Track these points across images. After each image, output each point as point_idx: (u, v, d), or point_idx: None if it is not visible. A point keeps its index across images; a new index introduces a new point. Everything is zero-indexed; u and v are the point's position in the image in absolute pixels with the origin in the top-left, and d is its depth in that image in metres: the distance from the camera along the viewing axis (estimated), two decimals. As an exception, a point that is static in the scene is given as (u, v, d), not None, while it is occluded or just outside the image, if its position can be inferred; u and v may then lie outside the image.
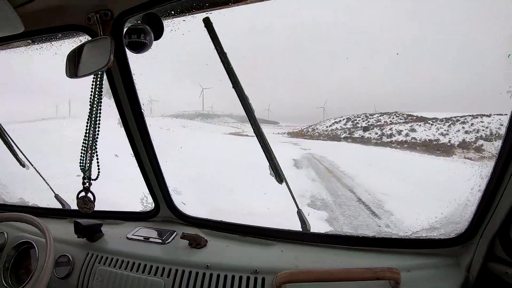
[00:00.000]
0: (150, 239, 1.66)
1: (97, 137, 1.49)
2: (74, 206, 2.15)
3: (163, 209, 1.84)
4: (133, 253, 1.56)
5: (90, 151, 1.49)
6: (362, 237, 1.52)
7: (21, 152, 2.14)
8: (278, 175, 1.54)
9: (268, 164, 1.54)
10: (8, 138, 2.07)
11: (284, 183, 1.58)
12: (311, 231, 1.61)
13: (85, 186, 1.53)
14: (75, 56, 1.28)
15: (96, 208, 1.81)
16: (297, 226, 1.63)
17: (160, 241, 1.64)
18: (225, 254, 1.52)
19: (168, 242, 1.64)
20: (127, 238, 1.69)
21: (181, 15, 1.34)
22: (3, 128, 2.05)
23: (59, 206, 2.20)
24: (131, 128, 1.61)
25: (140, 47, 1.21)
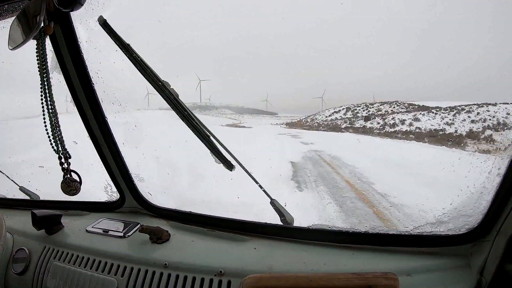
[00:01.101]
0: (110, 232, 1.44)
1: (56, 113, 1.23)
2: (42, 196, 1.98)
3: (129, 199, 1.61)
4: (90, 248, 1.36)
5: (56, 129, 1.25)
6: (353, 233, 1.25)
7: None
8: (225, 161, 1.27)
9: (209, 151, 1.27)
10: None
11: (235, 169, 1.31)
12: (293, 225, 1.35)
13: (63, 166, 1.28)
14: (16, 24, 1.09)
15: (58, 199, 1.59)
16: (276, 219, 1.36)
17: (121, 234, 1.42)
18: (188, 251, 1.28)
19: (129, 236, 1.41)
20: (87, 231, 1.49)
21: None
22: None
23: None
24: (83, 107, 1.37)
25: (71, 3, 1.05)
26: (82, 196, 1.42)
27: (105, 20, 1.16)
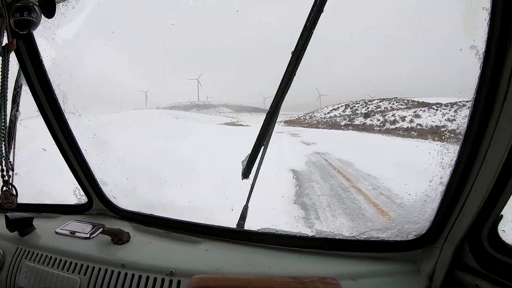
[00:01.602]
0: (76, 234, 1.55)
1: (4, 124, 1.29)
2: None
3: (96, 202, 1.72)
4: (59, 249, 1.46)
5: (6, 139, 1.30)
6: (300, 237, 1.32)
7: None
8: (247, 172, 1.30)
9: (250, 154, 1.29)
10: None
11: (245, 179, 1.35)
12: (242, 228, 1.43)
13: (4, 179, 1.33)
14: None
15: (29, 202, 1.68)
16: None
17: (87, 236, 1.52)
18: (145, 251, 1.38)
19: (93, 237, 1.51)
20: (56, 232, 1.58)
21: None
22: None
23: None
24: (48, 116, 1.47)
25: (26, 26, 1.10)
26: (54, 198, 1.53)
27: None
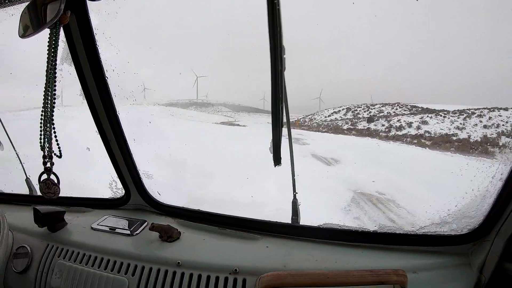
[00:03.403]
0: (117, 230, 1.52)
1: (53, 107, 1.24)
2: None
3: (134, 196, 1.69)
4: (97, 246, 1.42)
5: (48, 125, 1.26)
6: (362, 232, 1.36)
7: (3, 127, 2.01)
8: (277, 157, 1.27)
9: (272, 139, 1.27)
10: None
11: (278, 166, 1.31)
12: (301, 223, 1.44)
13: (46, 166, 1.29)
14: (28, 12, 1.10)
15: (61, 194, 1.66)
16: (284, 218, 1.46)
17: (128, 232, 1.50)
18: (200, 249, 1.36)
19: (137, 234, 1.49)
20: (92, 228, 1.55)
21: None
22: None
23: (26, 191, 2.06)
24: (93, 99, 1.43)
25: None
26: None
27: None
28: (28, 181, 2.09)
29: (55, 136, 1.29)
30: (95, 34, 1.30)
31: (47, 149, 1.26)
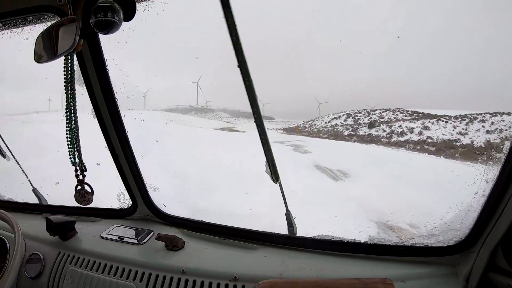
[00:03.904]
0: (125, 239, 1.63)
1: (78, 127, 1.45)
2: (51, 201, 2.16)
3: (141, 207, 1.81)
4: (106, 254, 1.53)
5: (76, 143, 1.47)
6: (353, 243, 1.47)
7: (4, 142, 2.12)
8: (275, 173, 1.45)
9: (266, 160, 1.45)
10: None
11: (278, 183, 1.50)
12: (297, 235, 1.56)
13: (78, 178, 1.53)
14: (43, 39, 1.22)
15: (72, 204, 1.79)
16: (283, 230, 1.58)
17: (135, 241, 1.61)
18: (203, 258, 1.47)
19: (144, 243, 1.60)
20: (101, 237, 1.67)
21: None
22: None
23: (36, 200, 2.17)
24: (104, 119, 1.56)
25: (108, 26, 1.12)
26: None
27: None
28: (35, 191, 2.21)
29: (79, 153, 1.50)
30: (105, 60, 1.43)
31: (78, 164, 1.48)
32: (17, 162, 2.20)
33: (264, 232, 1.59)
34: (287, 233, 1.58)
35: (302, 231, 1.59)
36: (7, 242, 1.64)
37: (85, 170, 1.52)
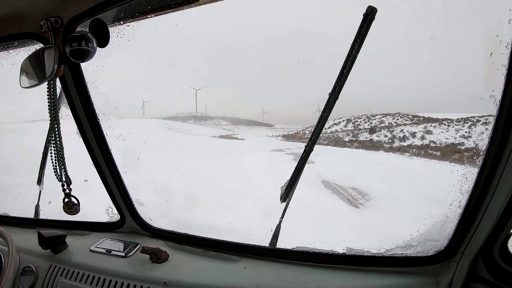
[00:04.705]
0: (113, 252, 1.71)
1: (62, 147, 1.54)
2: (45, 215, 2.23)
3: (129, 220, 1.89)
4: (95, 267, 1.61)
5: (61, 160, 1.58)
6: (332, 254, 1.52)
7: None
8: (286, 196, 1.51)
9: (290, 178, 1.50)
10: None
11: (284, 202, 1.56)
12: (276, 247, 1.62)
13: (65, 192, 1.65)
14: (27, 66, 1.33)
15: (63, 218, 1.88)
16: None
17: (122, 254, 1.69)
18: (185, 270, 1.54)
19: (130, 256, 1.68)
20: (90, 250, 1.74)
21: (130, 20, 1.37)
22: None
23: (30, 215, 2.25)
24: (88, 138, 1.66)
25: (83, 55, 1.20)
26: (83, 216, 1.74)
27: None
28: (37, 207, 2.27)
29: (65, 169, 1.61)
30: (86, 83, 1.53)
31: (64, 179, 1.61)
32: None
33: (245, 244, 1.66)
34: (267, 245, 1.64)
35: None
36: (2, 255, 1.72)
37: (71, 183, 1.64)
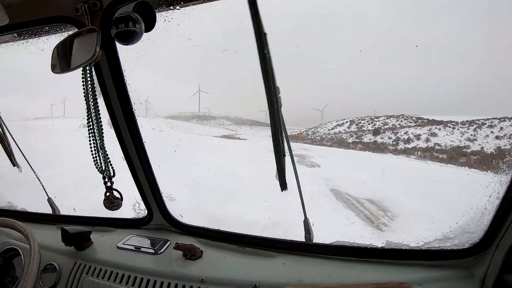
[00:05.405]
0: (142, 249, 1.66)
1: (102, 136, 1.50)
2: (63, 211, 2.21)
3: (156, 216, 1.84)
4: (123, 264, 1.56)
5: (102, 151, 1.53)
6: (370, 248, 1.50)
7: (21, 152, 2.18)
8: (283, 183, 1.45)
9: (276, 166, 1.44)
10: (7, 136, 2.06)
11: (285, 191, 1.49)
12: (314, 241, 1.59)
13: (107, 185, 1.60)
14: (61, 50, 1.26)
15: (86, 214, 1.83)
16: (299, 237, 1.61)
17: (152, 251, 1.64)
18: (222, 266, 1.50)
19: (161, 253, 1.63)
20: (117, 247, 1.70)
21: (175, 6, 1.33)
22: (4, 125, 2.03)
23: (49, 211, 2.22)
24: (121, 129, 1.61)
25: (129, 37, 1.15)
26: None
27: None
28: (50, 201, 2.25)
29: (109, 160, 1.56)
30: (123, 70, 1.47)
31: (106, 172, 1.55)
32: (33, 171, 2.25)
33: (281, 239, 1.62)
34: (303, 240, 1.61)
35: (319, 238, 1.62)
36: (21, 252, 1.68)
37: (114, 176, 1.59)
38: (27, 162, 2.19)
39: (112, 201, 1.61)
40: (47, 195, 2.26)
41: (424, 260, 1.40)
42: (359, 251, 1.50)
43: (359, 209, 7.05)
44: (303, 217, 1.63)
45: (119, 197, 1.63)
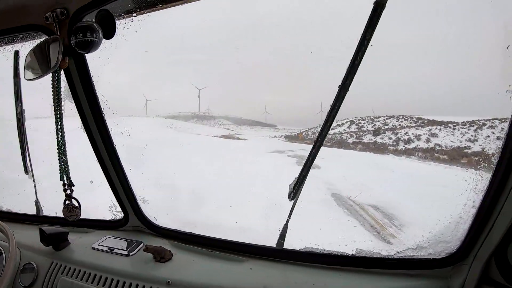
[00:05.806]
0: (115, 250, 1.69)
1: (64, 143, 1.51)
2: (47, 212, 2.22)
3: (132, 218, 1.86)
4: (97, 265, 1.59)
5: (63, 158, 1.53)
6: (340, 256, 1.49)
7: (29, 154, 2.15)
8: (295, 194, 1.49)
9: (298, 176, 1.49)
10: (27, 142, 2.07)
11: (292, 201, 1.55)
12: (283, 247, 1.59)
13: (66, 193, 1.59)
14: (31, 57, 1.31)
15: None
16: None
17: (125, 252, 1.67)
18: (190, 269, 1.52)
19: (133, 254, 1.66)
20: (93, 248, 1.72)
21: (138, 12, 1.36)
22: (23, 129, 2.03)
23: (33, 211, 2.24)
24: (93, 133, 1.64)
25: (88, 46, 1.20)
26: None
27: None
28: (37, 202, 2.26)
29: (67, 168, 1.55)
30: (91, 76, 1.51)
31: (66, 179, 1.54)
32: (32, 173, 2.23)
33: (251, 244, 1.63)
34: (274, 245, 1.61)
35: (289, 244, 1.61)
36: (3, 252, 1.71)
37: (73, 185, 1.58)
38: (30, 165, 2.19)
39: (71, 209, 1.59)
40: (36, 197, 2.27)
41: (398, 270, 1.38)
42: (329, 258, 1.50)
43: (363, 216, 6.49)
44: (285, 222, 1.63)
45: (78, 206, 1.61)
